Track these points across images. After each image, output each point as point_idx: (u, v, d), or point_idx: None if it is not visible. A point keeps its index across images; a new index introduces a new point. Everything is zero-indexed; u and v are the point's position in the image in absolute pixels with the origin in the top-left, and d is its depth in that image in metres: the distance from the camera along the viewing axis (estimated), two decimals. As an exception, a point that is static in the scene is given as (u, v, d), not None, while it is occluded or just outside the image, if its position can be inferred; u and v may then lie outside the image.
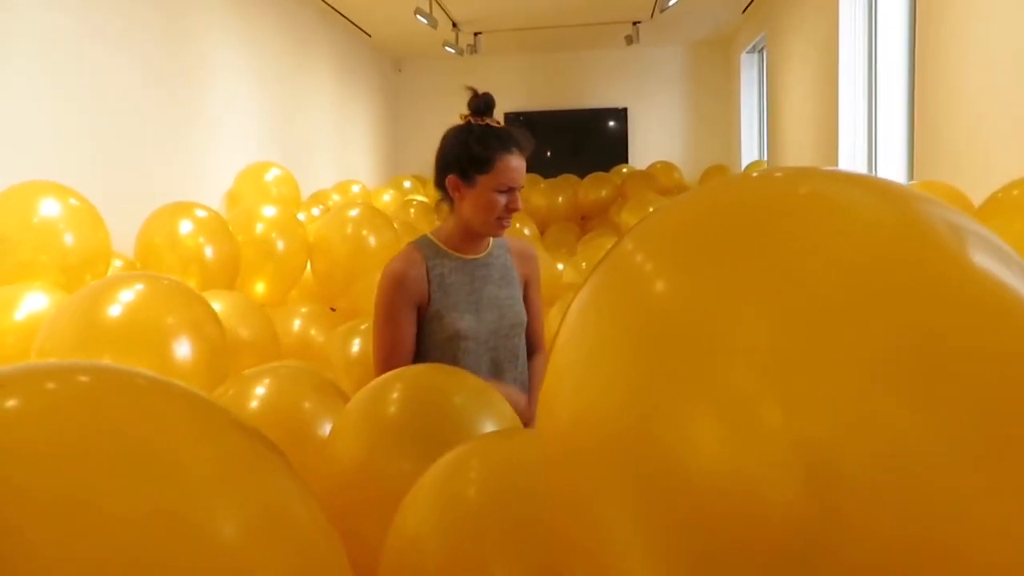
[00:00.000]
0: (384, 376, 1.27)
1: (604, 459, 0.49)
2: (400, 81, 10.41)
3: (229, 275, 3.31)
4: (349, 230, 3.65)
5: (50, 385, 0.54)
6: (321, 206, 5.70)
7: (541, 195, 7.27)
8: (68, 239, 2.68)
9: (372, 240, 3.62)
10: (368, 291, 2.37)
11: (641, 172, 7.74)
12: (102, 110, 4.11)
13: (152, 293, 1.99)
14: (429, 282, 1.87)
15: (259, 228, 3.64)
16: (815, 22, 5.98)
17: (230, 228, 3.44)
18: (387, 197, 6.93)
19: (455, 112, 1.98)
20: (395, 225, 3.89)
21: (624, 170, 7.97)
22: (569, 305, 0.58)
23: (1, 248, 2.59)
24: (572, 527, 0.53)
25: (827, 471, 0.41)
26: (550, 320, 2.68)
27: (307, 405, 1.50)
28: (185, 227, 3.25)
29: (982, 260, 0.47)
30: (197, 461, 0.55)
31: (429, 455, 0.92)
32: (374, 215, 3.77)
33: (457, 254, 1.92)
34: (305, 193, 6.23)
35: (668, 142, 10.22)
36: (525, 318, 1.98)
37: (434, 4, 7.39)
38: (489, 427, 1.12)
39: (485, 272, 1.93)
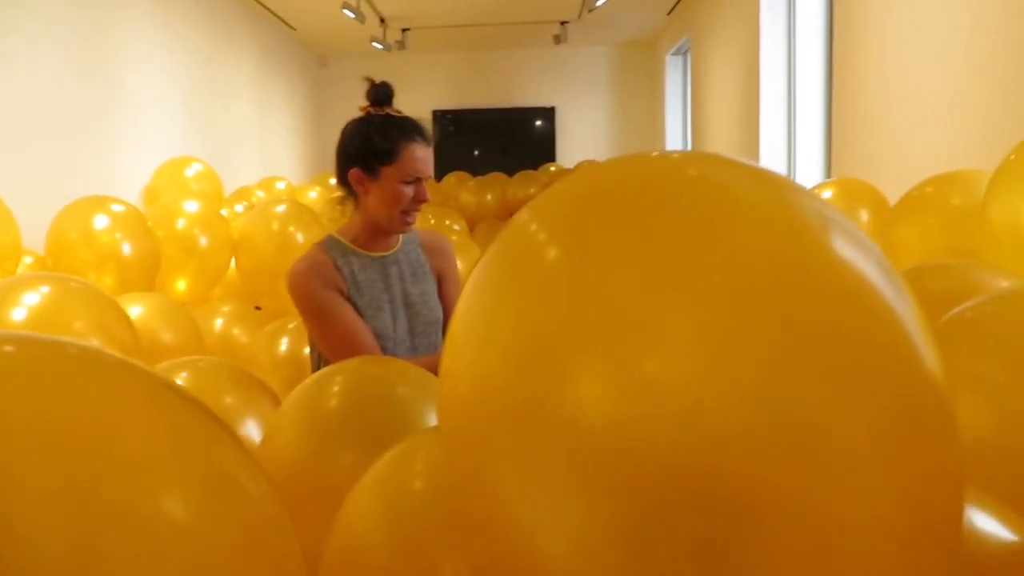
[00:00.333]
0: (323, 370, 1.23)
1: (502, 426, 0.52)
2: (325, 76, 10.22)
3: (148, 273, 3.19)
4: (275, 226, 3.56)
5: None
6: (245, 202, 5.54)
7: (470, 193, 7.25)
8: (-27, 234, 2.53)
9: (299, 236, 3.54)
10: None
11: (569, 171, 7.80)
12: (11, 101, 3.90)
13: (59, 296, 1.89)
14: (344, 279, 1.79)
15: (180, 224, 3.51)
16: (737, 27, 6.14)
17: (149, 224, 3.31)
18: (313, 194, 6.80)
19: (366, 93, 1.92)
20: (323, 221, 3.82)
21: (552, 168, 8.02)
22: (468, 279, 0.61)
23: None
24: (475, 502, 0.55)
25: (700, 415, 0.46)
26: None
27: (228, 400, 1.45)
28: (100, 222, 3.11)
29: (839, 241, 0.53)
30: (136, 432, 0.52)
31: (374, 448, 0.91)
32: (301, 211, 3.69)
33: (365, 252, 1.84)
34: (228, 189, 6.05)
35: (595, 141, 10.34)
36: (440, 315, 1.89)
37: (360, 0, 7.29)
38: (434, 418, 1.10)
39: (396, 269, 1.85)
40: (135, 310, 2.45)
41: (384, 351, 1.77)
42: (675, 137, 9.28)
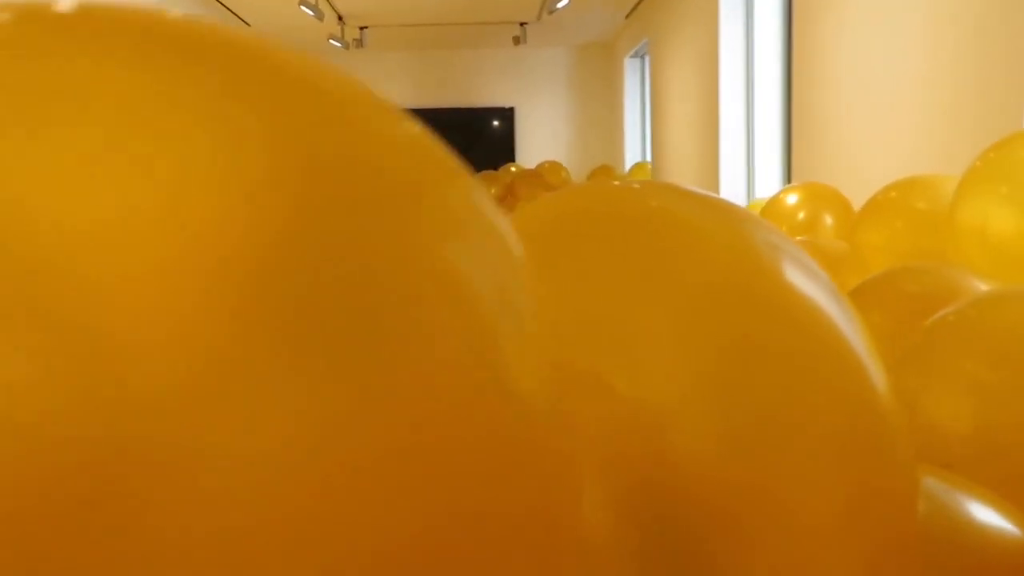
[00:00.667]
0: None
1: None
2: (281, 74, 10.08)
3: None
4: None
5: None
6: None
7: (431, 193, 7.22)
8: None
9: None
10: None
11: (530, 171, 7.81)
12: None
13: None
14: None
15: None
16: (695, 30, 6.21)
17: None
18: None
19: None
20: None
21: (513, 168, 8.03)
22: None
23: None
24: None
25: (660, 419, 0.50)
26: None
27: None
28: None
29: (791, 270, 0.58)
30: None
31: None
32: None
33: None
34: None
35: (554, 142, 10.37)
36: None
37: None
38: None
39: None
40: None
41: None
42: (634, 139, 9.35)
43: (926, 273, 1.51)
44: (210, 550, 0.28)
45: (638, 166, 8.60)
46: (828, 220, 2.77)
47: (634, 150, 9.35)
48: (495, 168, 7.96)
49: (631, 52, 9.02)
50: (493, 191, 7.34)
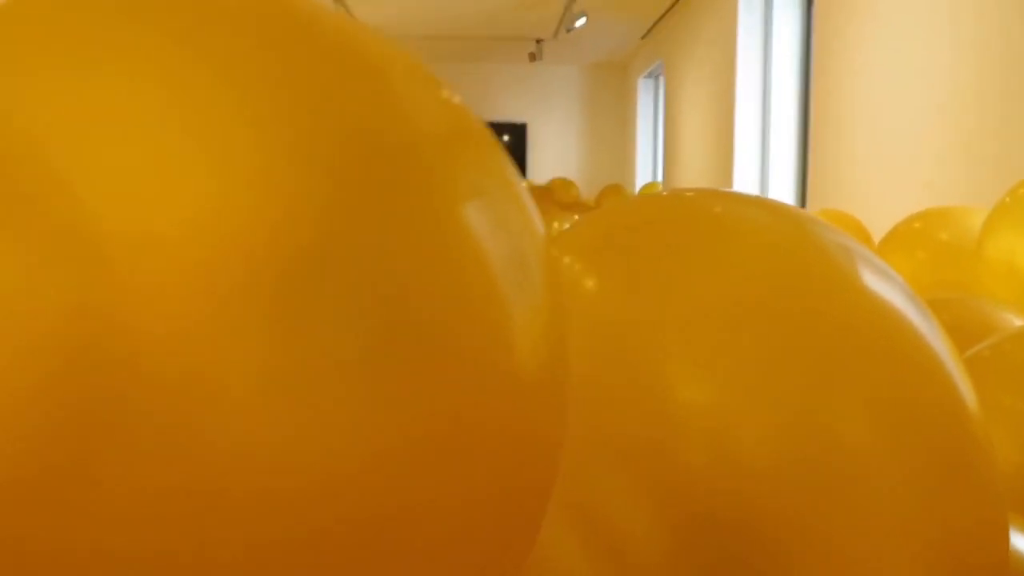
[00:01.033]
0: None
1: None
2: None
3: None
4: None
5: None
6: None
7: (442, 205, 7.24)
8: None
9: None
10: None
11: (541, 187, 7.83)
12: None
13: None
14: None
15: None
16: (712, 52, 6.24)
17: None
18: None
19: None
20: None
21: (524, 184, 8.05)
22: None
23: None
24: None
25: (726, 437, 0.47)
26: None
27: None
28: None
29: (868, 276, 0.54)
30: None
31: None
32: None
33: None
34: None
35: (565, 159, 10.40)
36: None
37: (338, 6, 7.24)
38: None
39: None
40: None
41: None
42: (646, 160, 9.38)
43: (957, 305, 1.51)
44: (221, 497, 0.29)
45: (649, 186, 8.62)
46: (847, 248, 2.77)
47: (645, 169, 9.37)
48: (506, 183, 7.98)
49: (645, 72, 9.06)
50: (504, 205, 7.36)
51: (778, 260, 0.54)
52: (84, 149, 0.30)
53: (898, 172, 3.44)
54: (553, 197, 7.42)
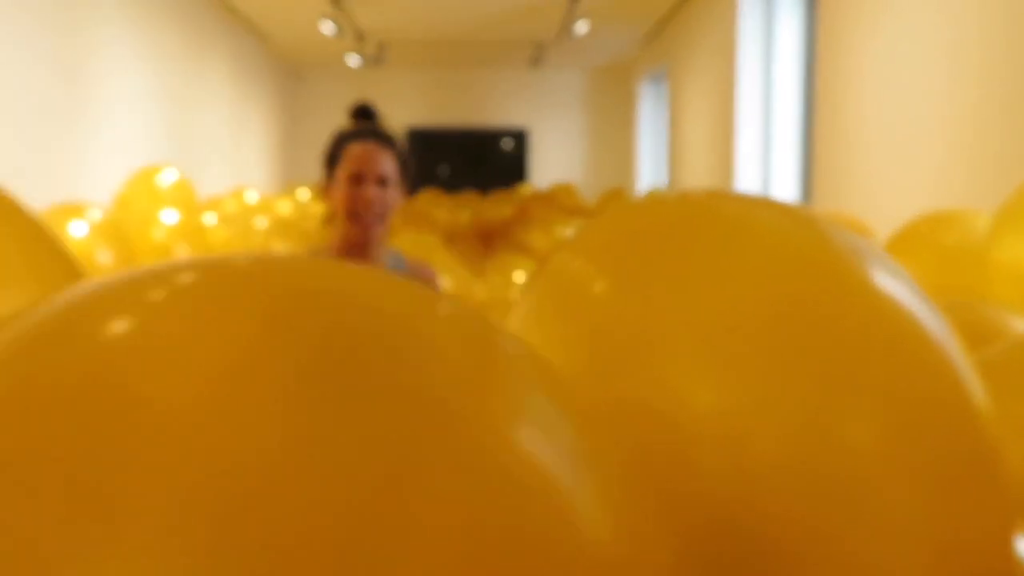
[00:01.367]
0: None
1: None
2: (299, 88, 10.14)
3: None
4: (257, 240, 3.50)
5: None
6: (216, 212, 5.44)
7: (445, 211, 7.23)
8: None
9: (281, 251, 3.48)
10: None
11: (543, 192, 7.83)
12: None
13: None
14: None
15: (157, 234, 3.42)
16: (714, 57, 6.24)
17: (126, 232, 3.22)
18: (285, 206, 6.71)
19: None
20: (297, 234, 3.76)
21: (526, 190, 8.05)
22: (510, 315, 0.62)
23: None
24: None
25: (737, 441, 0.47)
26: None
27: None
28: (77, 229, 3.02)
29: (880, 277, 0.54)
30: None
31: None
32: (282, 225, 3.63)
33: None
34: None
35: (567, 164, 10.40)
36: None
37: (340, 13, 7.25)
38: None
39: None
40: None
41: None
42: (648, 165, 9.37)
43: (966, 309, 1.50)
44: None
45: (652, 193, 8.62)
46: (852, 251, 2.76)
47: (647, 174, 9.37)
48: (508, 188, 7.98)
49: (648, 76, 9.06)
50: (506, 211, 7.35)
51: (791, 263, 0.53)
52: None
53: (901, 175, 3.43)
54: (556, 202, 7.42)
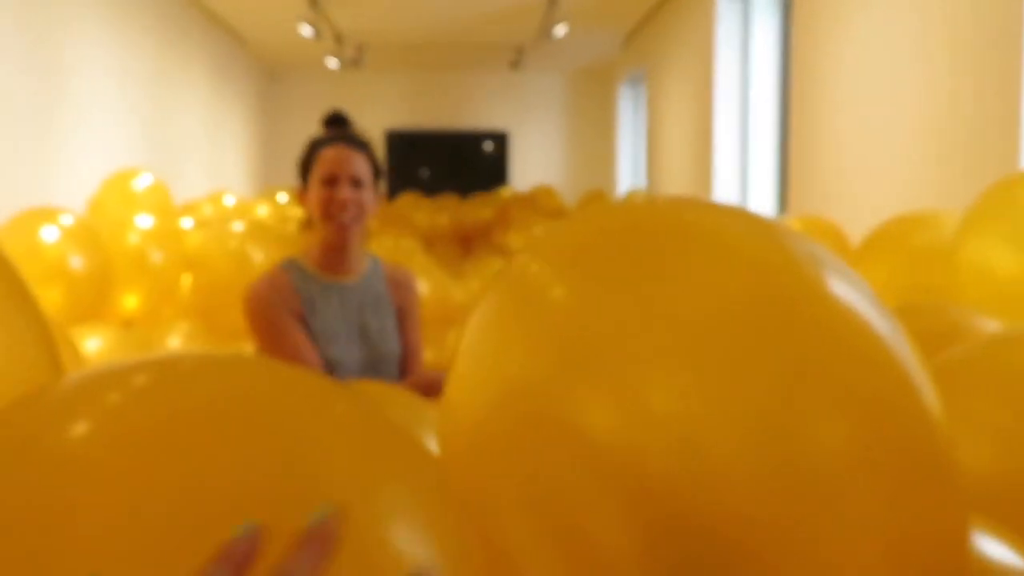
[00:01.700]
0: None
1: (506, 454, 0.54)
2: (277, 91, 10.08)
3: (97, 289, 3.06)
4: (232, 244, 3.47)
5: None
6: (192, 217, 5.40)
7: (424, 214, 7.22)
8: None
9: (256, 255, 3.46)
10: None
11: (523, 194, 7.84)
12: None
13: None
14: (301, 303, 1.77)
15: (132, 238, 3.39)
16: (692, 59, 6.27)
17: (100, 237, 3.19)
18: (262, 209, 6.67)
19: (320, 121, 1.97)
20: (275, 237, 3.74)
21: (506, 192, 8.05)
22: (469, 317, 0.63)
23: None
24: (481, 531, 0.57)
25: (697, 443, 0.48)
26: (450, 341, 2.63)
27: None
28: (48, 234, 2.98)
29: (835, 283, 0.55)
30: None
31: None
32: (258, 229, 3.61)
33: (326, 277, 1.82)
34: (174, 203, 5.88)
35: (547, 166, 10.41)
36: (399, 349, 1.89)
37: (318, 15, 7.22)
38: (429, 444, 1.07)
39: (357, 299, 1.84)
40: (93, 343, 2.38)
41: (339, 379, 1.74)
42: (628, 166, 9.40)
43: (931, 312, 1.51)
44: None
45: (634, 194, 8.64)
46: (825, 253, 2.78)
47: (627, 176, 9.40)
48: (488, 191, 7.97)
49: (627, 79, 9.10)
50: (486, 214, 7.35)
51: (749, 269, 0.54)
52: None
53: (875, 177, 3.47)
54: (536, 205, 7.42)
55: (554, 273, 0.59)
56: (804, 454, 0.48)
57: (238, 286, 3.32)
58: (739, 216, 0.60)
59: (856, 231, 2.63)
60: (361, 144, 1.85)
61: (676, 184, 6.74)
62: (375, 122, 9.80)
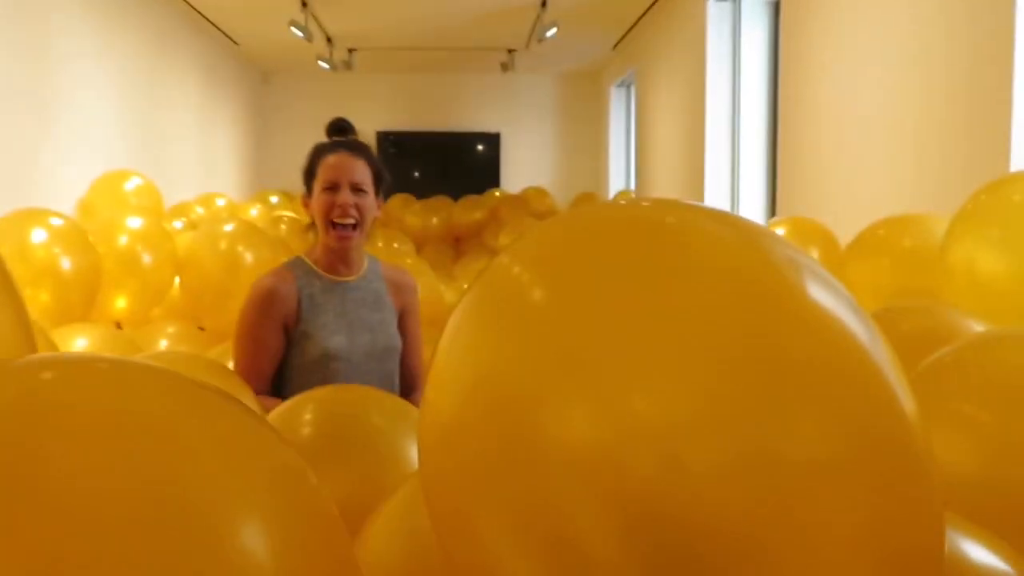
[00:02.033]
0: (295, 399, 1.21)
1: (485, 460, 0.54)
2: (268, 93, 10.06)
3: (87, 290, 3.05)
4: (222, 246, 3.46)
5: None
6: (183, 219, 5.38)
7: (415, 215, 7.21)
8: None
9: (247, 257, 3.45)
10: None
11: (514, 196, 7.84)
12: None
13: None
14: (299, 301, 1.87)
15: (122, 240, 3.38)
16: (682, 61, 6.29)
17: (90, 239, 3.18)
18: (254, 212, 6.65)
19: (324, 127, 2.02)
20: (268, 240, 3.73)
21: (497, 194, 8.05)
22: (449, 318, 0.63)
23: None
24: (454, 539, 0.57)
25: (680, 451, 0.48)
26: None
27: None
28: (38, 236, 2.97)
29: (814, 288, 0.56)
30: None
31: (349, 479, 0.94)
32: (249, 231, 3.60)
33: (328, 275, 1.93)
34: (166, 204, 5.86)
35: (539, 168, 10.42)
36: (399, 343, 1.98)
37: (309, 17, 7.21)
38: (411, 448, 1.08)
39: (357, 295, 1.94)
40: (80, 342, 2.37)
41: (338, 371, 1.86)
42: (618, 166, 9.43)
43: (920, 313, 1.53)
44: None
45: (621, 194, 8.66)
46: (815, 255, 2.80)
47: (618, 177, 9.42)
48: (479, 193, 7.98)
49: (617, 81, 9.12)
50: (477, 215, 7.35)
51: (729, 275, 0.55)
52: None
53: (865, 179, 3.49)
54: (527, 206, 7.43)
55: (534, 274, 0.59)
56: (781, 459, 0.48)
57: (228, 288, 3.32)
58: (720, 219, 0.61)
59: (845, 233, 2.65)
60: (363, 150, 1.93)
61: (666, 186, 6.76)
62: (367, 124, 9.78)
